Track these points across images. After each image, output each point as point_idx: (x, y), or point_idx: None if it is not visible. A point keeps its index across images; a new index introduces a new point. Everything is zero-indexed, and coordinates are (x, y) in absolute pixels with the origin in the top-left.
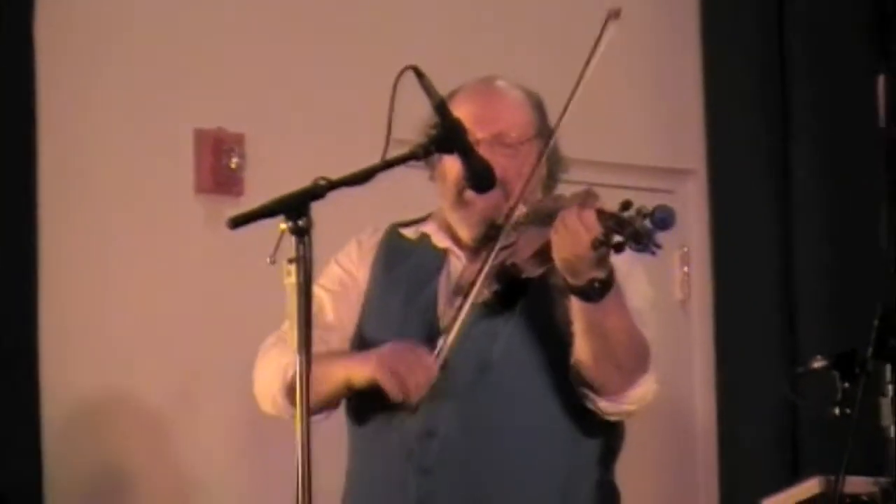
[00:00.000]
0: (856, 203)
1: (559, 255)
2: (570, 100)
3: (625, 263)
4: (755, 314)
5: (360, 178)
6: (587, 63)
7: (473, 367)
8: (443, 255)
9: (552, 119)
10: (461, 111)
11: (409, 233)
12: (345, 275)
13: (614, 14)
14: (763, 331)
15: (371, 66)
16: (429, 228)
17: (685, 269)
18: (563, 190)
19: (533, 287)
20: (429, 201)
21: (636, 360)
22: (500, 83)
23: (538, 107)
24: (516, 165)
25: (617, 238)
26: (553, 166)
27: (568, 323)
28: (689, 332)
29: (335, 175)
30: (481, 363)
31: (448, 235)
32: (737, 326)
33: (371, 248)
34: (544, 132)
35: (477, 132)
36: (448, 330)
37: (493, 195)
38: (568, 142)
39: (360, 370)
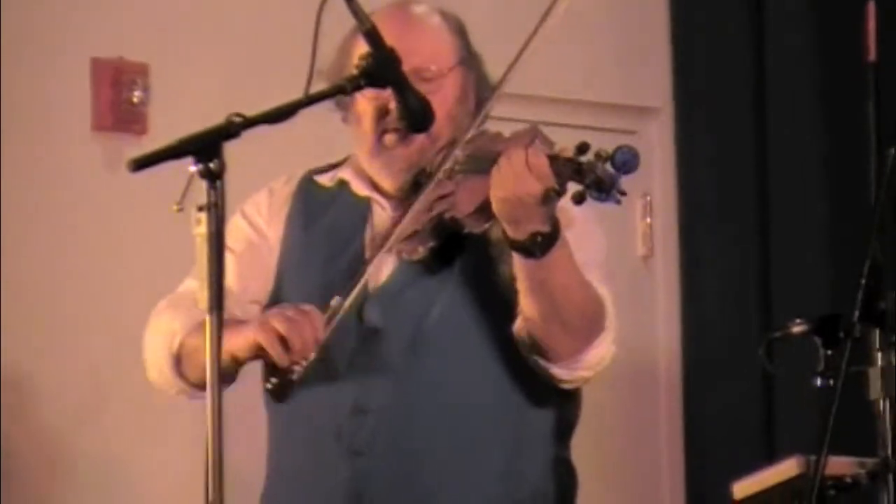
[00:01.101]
0: (842, 148)
1: (498, 196)
2: (517, 57)
3: (574, 211)
4: (726, 271)
5: (280, 114)
6: (537, 27)
7: (408, 333)
8: (365, 204)
9: (494, 73)
10: None
11: (325, 180)
12: (252, 232)
13: None
14: (735, 290)
15: None
16: (346, 174)
17: (648, 220)
18: (505, 129)
19: (473, 241)
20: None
21: (588, 320)
22: (415, 9)
23: (459, 31)
24: (441, 101)
25: (576, 187)
26: (481, 94)
27: (514, 280)
28: (653, 292)
29: (251, 111)
30: (417, 329)
31: (368, 183)
32: (706, 286)
33: (285, 200)
34: (468, 59)
35: None
36: (349, 289)
37: (417, 138)
38: (513, 74)
39: (240, 338)
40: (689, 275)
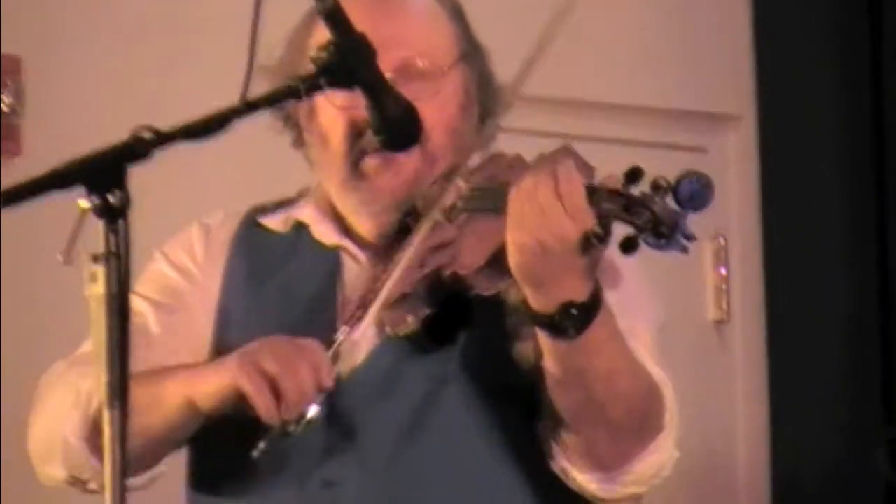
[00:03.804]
0: None
1: (516, 242)
2: (528, 66)
3: (615, 262)
4: (832, 341)
5: (207, 127)
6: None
7: (393, 435)
8: (334, 256)
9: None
10: None
11: (274, 223)
12: (180, 278)
13: None
14: (844, 368)
15: None
16: (305, 215)
17: (722, 271)
18: (529, 146)
19: (483, 307)
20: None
21: (641, 417)
22: None
23: (458, 17)
24: (438, 109)
25: (626, 230)
26: (487, 103)
27: (539, 361)
28: (729, 370)
29: (165, 122)
30: (404, 431)
31: (337, 226)
32: (802, 361)
33: (224, 244)
34: (471, 54)
35: None
36: (355, 318)
37: (408, 161)
38: (549, 75)
39: (209, 381)
40: (778, 346)
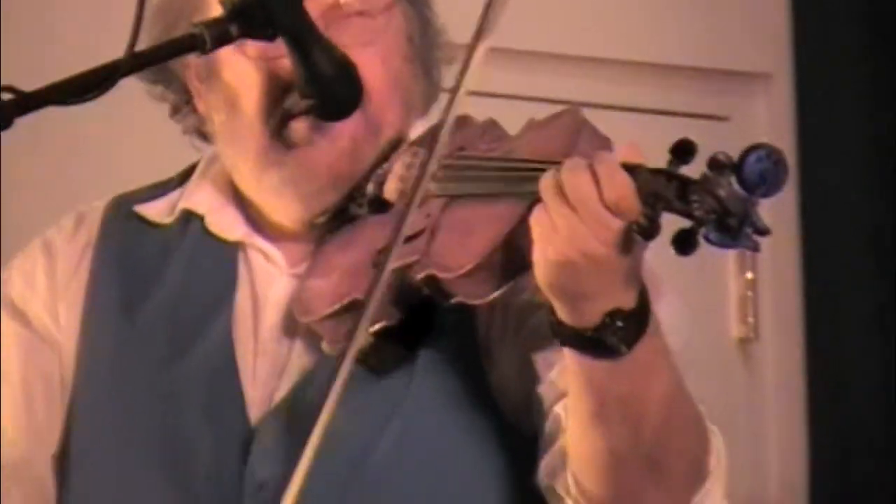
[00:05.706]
0: None
1: (550, 259)
2: (468, 57)
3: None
4: (878, 363)
5: (85, 86)
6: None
7: (338, 480)
8: (233, 254)
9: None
10: None
11: (154, 212)
12: (27, 332)
13: None
14: (891, 392)
15: None
16: (197, 201)
17: (748, 275)
18: (514, 110)
19: (447, 312)
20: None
21: (692, 458)
22: None
23: None
24: (378, 60)
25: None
26: (430, 55)
27: (533, 379)
28: (759, 398)
29: (33, 82)
30: (351, 475)
31: (240, 215)
32: (851, 389)
33: (78, 259)
34: None
35: None
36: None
37: (348, 124)
38: (533, 25)
39: None
40: (817, 369)
